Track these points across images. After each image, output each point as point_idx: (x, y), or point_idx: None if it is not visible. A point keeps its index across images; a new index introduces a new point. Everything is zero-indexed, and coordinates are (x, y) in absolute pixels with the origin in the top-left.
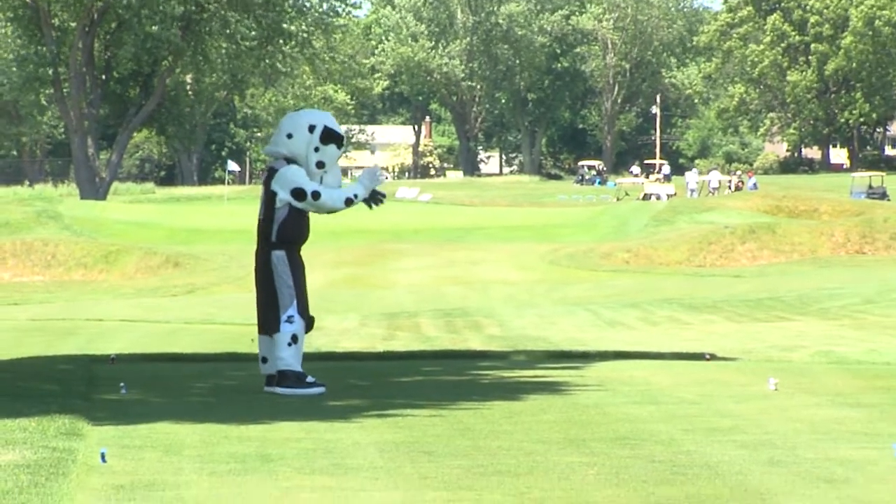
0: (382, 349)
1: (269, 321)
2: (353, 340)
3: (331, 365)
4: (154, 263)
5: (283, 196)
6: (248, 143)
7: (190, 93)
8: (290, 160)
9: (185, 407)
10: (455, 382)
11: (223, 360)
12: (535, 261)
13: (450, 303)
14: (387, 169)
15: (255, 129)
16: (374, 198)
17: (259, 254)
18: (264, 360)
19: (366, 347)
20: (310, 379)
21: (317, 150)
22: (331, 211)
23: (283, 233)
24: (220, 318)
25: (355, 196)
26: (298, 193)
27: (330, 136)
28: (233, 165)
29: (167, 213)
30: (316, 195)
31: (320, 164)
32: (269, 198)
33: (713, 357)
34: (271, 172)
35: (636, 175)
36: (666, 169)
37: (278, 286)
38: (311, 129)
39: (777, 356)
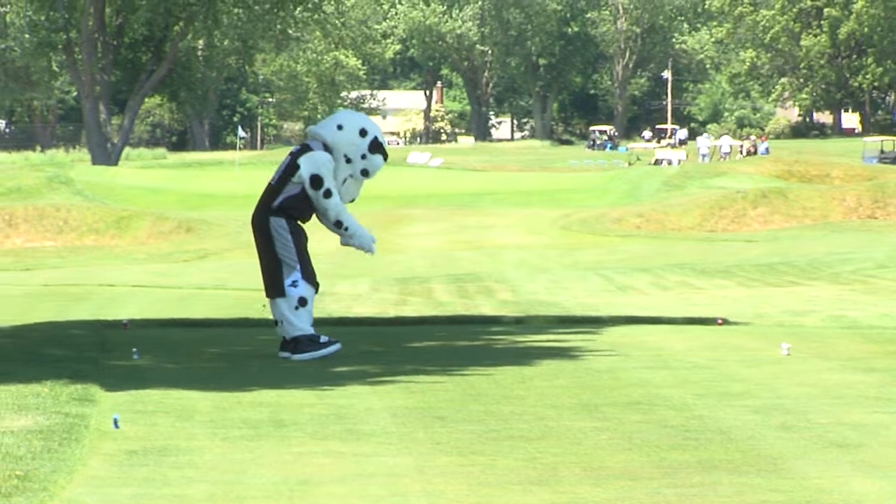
0: (394, 314)
1: (272, 285)
2: (365, 306)
3: (343, 330)
4: (166, 229)
5: (304, 174)
6: (260, 109)
7: (201, 58)
8: (327, 148)
9: (197, 372)
10: (467, 347)
11: (235, 325)
12: (547, 226)
13: (462, 268)
14: (398, 134)
15: (266, 95)
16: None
17: (256, 217)
18: (277, 322)
19: (378, 313)
20: (323, 339)
21: (364, 157)
22: (322, 215)
23: (287, 204)
24: (233, 284)
25: (346, 228)
26: (316, 181)
27: (378, 148)
28: (243, 133)
29: (179, 179)
30: (328, 193)
31: (365, 172)
32: (290, 168)
33: (725, 322)
34: (304, 148)
35: (648, 140)
36: (682, 133)
37: (280, 251)
38: (363, 133)
39: (789, 321)
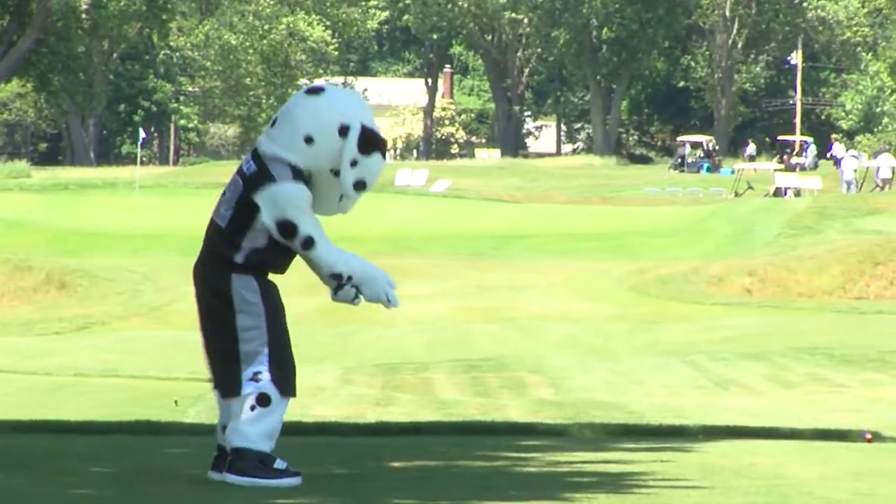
0: (374, 419)
1: (225, 376)
2: (330, 405)
3: (295, 441)
4: (28, 284)
5: (267, 221)
6: (175, 103)
7: (86, 25)
8: (296, 171)
9: (73, 500)
10: (484, 471)
11: (132, 431)
12: (610, 287)
13: (478, 349)
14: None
15: (183, 81)
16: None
17: (206, 274)
18: (224, 427)
19: (350, 416)
20: (280, 464)
21: (354, 164)
22: (313, 270)
23: (256, 256)
24: (128, 369)
25: (349, 277)
26: (287, 229)
27: (371, 143)
28: (142, 134)
29: (49, 208)
30: (309, 243)
31: (361, 185)
32: (245, 206)
33: (877, 437)
34: (261, 174)
35: (752, 158)
36: (840, 149)
37: (240, 327)
38: (344, 130)
39: None
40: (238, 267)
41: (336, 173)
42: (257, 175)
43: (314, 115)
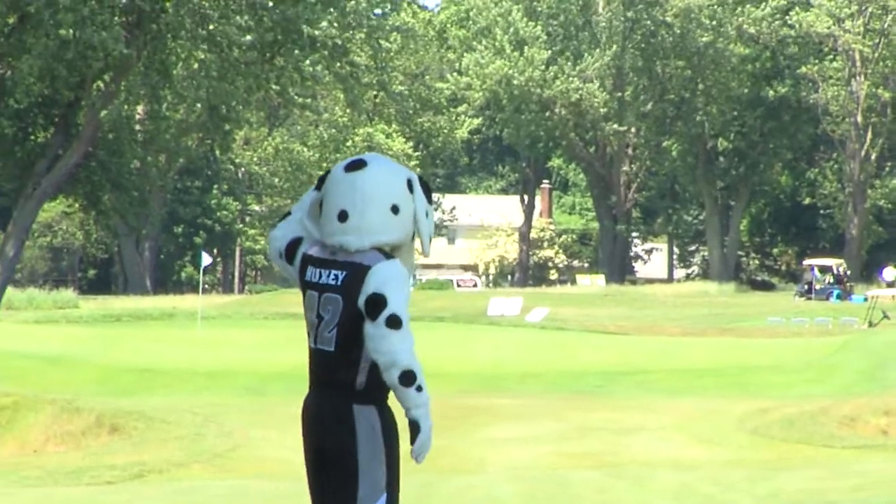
0: None
1: None
2: None
3: None
4: (76, 427)
5: (379, 290)
6: (241, 224)
7: (140, 136)
8: (389, 251)
9: None
10: None
11: None
12: (728, 429)
13: (579, 499)
14: (475, 269)
15: (250, 199)
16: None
17: (324, 406)
18: None
19: None
20: None
21: (427, 215)
22: (386, 365)
23: (376, 376)
24: None
25: (419, 387)
26: (377, 303)
27: (429, 190)
28: (206, 258)
29: (99, 342)
30: (398, 321)
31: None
32: (354, 314)
33: None
34: (358, 271)
35: (891, 283)
36: None
37: (363, 465)
38: (410, 185)
39: None
40: (360, 396)
41: (411, 236)
42: (353, 273)
43: (390, 180)
